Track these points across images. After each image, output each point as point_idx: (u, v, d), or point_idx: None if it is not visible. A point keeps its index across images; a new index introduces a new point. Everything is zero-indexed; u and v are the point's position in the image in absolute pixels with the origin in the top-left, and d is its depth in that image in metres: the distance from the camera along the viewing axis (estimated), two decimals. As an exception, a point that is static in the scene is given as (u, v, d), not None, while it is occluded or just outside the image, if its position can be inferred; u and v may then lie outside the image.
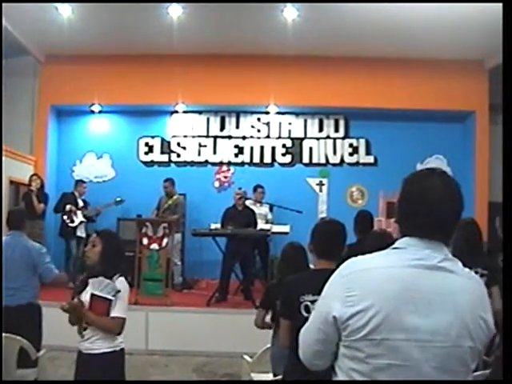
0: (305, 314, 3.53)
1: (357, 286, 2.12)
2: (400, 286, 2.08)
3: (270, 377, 5.18)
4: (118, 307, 4.44)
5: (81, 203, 12.17)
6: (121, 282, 4.51)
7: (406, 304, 2.06)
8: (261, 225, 11.49)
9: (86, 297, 4.44)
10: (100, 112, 13.54)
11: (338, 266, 2.29)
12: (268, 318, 5.61)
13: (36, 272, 6.48)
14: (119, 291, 4.45)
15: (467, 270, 2.24)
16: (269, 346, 5.60)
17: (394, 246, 2.24)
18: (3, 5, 9.36)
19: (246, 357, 6.04)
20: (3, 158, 10.96)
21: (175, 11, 10.45)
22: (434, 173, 2.26)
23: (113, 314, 4.41)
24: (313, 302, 3.50)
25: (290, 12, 10.37)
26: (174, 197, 12.21)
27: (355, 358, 2.12)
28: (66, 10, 10.39)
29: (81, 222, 11.91)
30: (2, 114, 10.97)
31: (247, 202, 11.74)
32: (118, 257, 4.69)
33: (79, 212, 11.93)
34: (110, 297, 4.40)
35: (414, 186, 2.22)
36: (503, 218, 4.02)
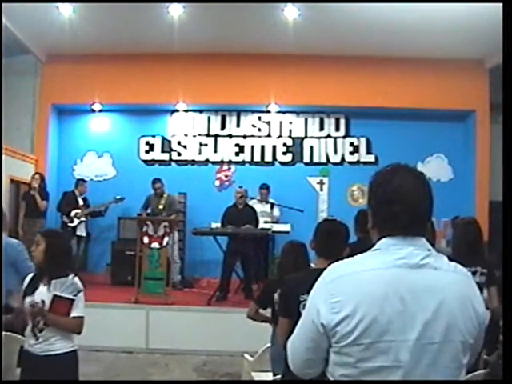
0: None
1: (341, 291, 2.10)
2: (385, 287, 2.06)
3: (270, 376, 5.18)
4: (79, 307, 4.45)
5: (81, 202, 12.19)
6: (78, 282, 4.52)
7: (393, 305, 2.04)
8: (265, 223, 11.49)
9: (40, 297, 4.38)
10: (101, 111, 13.53)
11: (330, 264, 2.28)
12: (265, 312, 5.63)
13: (17, 269, 6.36)
14: (81, 291, 4.48)
15: (453, 263, 2.22)
16: (269, 345, 5.60)
17: (374, 247, 2.21)
18: (4, 4, 9.37)
19: (246, 356, 6.04)
20: (4, 156, 10.97)
21: (176, 10, 10.45)
22: (400, 169, 2.25)
23: (74, 314, 4.41)
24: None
25: (290, 11, 10.37)
26: (165, 195, 12.25)
27: (345, 364, 2.10)
28: (66, 10, 10.38)
29: (80, 222, 11.93)
30: (2, 113, 10.95)
31: (251, 202, 11.78)
32: (65, 256, 4.65)
33: (79, 211, 11.94)
34: (72, 297, 4.40)
35: (387, 187, 2.18)
36: (503, 218, 4.00)
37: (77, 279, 4.51)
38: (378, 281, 2.08)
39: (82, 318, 4.45)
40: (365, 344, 2.04)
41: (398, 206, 2.14)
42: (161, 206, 12.08)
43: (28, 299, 4.42)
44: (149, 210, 12.28)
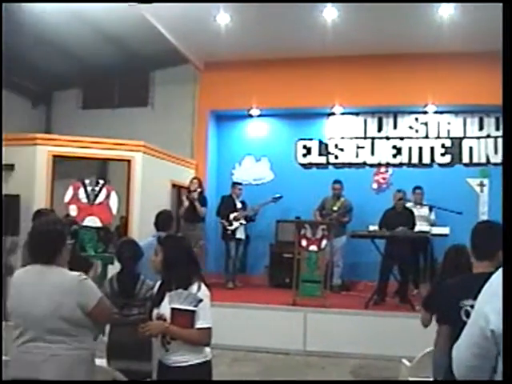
0: (465, 319, 3.46)
1: None
2: None
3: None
4: (203, 317, 4.22)
5: (239, 205, 12.45)
6: (202, 291, 4.29)
7: None
8: (423, 227, 11.29)
9: (165, 309, 4.27)
10: (258, 116, 13.81)
11: (497, 269, 2.21)
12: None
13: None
14: (201, 300, 4.24)
15: None
16: (428, 350, 5.50)
17: None
18: (162, 16, 9.69)
19: (404, 361, 5.96)
20: (165, 162, 11.50)
21: (330, 13, 10.48)
22: None
23: (198, 326, 4.21)
24: (473, 306, 3.42)
25: (445, 10, 10.21)
26: (342, 199, 12.33)
27: None
28: (223, 19, 10.71)
29: (240, 224, 12.19)
30: (2, 113, 10.77)
31: (407, 205, 11.59)
32: (184, 265, 4.37)
33: (238, 214, 12.19)
34: (192, 308, 4.20)
35: None
36: (503, 217, 3.75)
37: (203, 288, 4.30)
38: None
39: (207, 329, 4.25)
40: None
41: None
42: (335, 208, 12.20)
43: (155, 311, 4.34)
44: (324, 212, 12.36)
